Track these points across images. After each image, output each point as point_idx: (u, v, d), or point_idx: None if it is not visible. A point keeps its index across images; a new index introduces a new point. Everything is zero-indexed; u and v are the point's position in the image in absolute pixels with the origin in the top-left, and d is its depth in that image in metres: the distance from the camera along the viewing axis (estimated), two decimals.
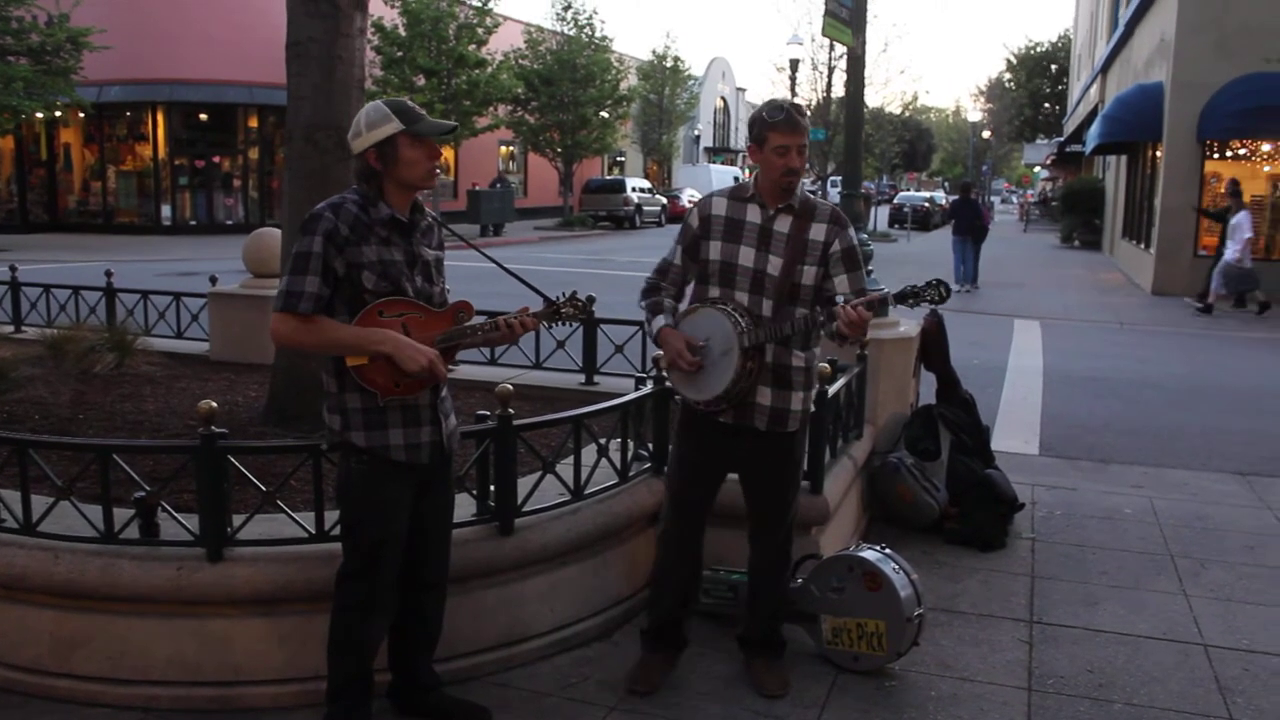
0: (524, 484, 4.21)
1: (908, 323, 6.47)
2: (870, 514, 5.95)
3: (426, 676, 3.73)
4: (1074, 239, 33.59)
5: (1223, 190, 18.12)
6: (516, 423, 4.04)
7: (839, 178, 31.27)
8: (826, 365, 4.72)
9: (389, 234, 3.32)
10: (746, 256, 3.82)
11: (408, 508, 3.43)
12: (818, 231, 3.83)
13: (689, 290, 4.00)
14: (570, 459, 4.42)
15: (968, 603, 5.02)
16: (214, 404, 3.74)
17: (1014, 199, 53.14)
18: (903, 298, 3.61)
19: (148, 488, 3.85)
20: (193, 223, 31.07)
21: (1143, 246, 22.04)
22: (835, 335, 3.71)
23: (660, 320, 3.84)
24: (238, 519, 3.85)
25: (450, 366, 3.43)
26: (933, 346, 6.48)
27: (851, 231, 3.93)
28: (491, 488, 4.10)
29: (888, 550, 4.31)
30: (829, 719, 3.88)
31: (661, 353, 3.91)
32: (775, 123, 3.72)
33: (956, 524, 5.83)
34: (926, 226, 41.64)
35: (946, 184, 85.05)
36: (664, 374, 3.96)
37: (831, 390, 4.73)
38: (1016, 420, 8.93)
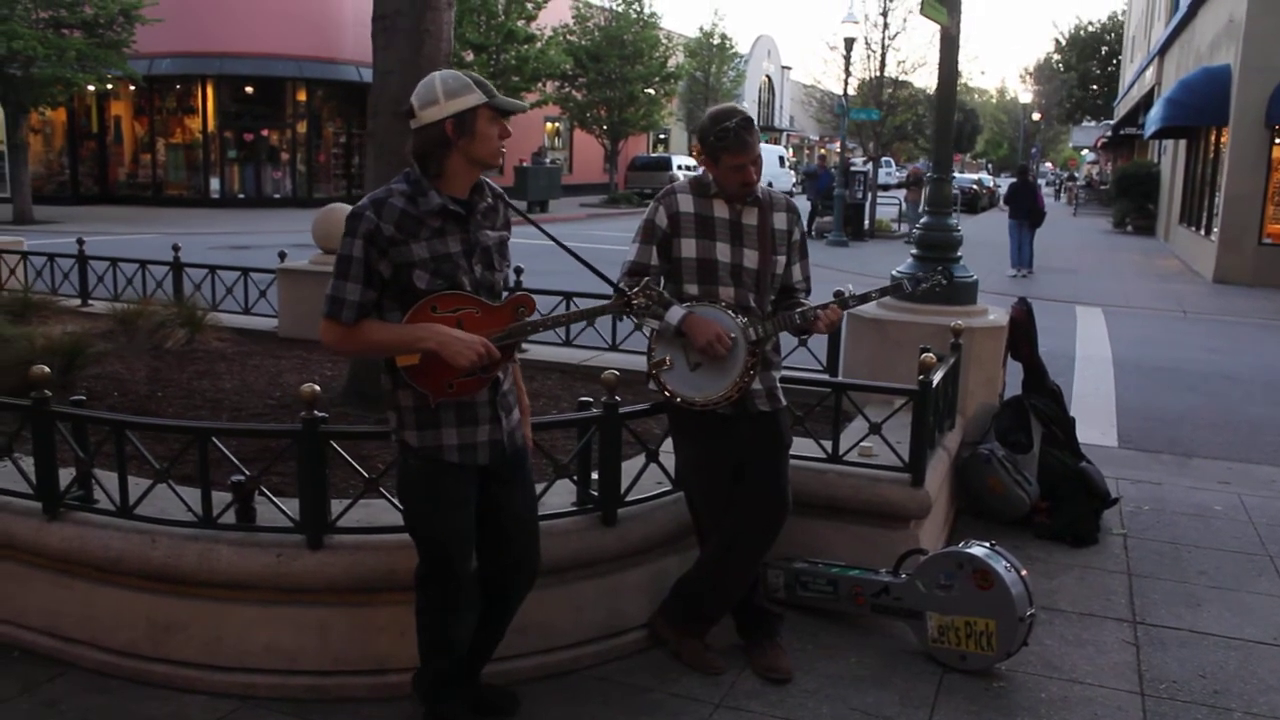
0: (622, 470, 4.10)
1: (997, 310, 6.30)
2: (957, 506, 5.81)
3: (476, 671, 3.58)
4: (1127, 224, 33.04)
5: None
6: (622, 410, 3.92)
7: (889, 159, 31.10)
8: (931, 355, 4.58)
9: (443, 223, 3.09)
10: (724, 252, 3.79)
11: (469, 505, 3.23)
12: (780, 220, 3.91)
13: None
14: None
15: (1066, 600, 4.87)
16: (316, 387, 3.64)
17: (1044, 181, 49.79)
18: (864, 298, 3.98)
19: (246, 471, 3.77)
20: (241, 196, 31.23)
21: (1203, 233, 21.59)
22: (802, 331, 3.93)
23: (680, 310, 3.67)
24: (336, 505, 3.76)
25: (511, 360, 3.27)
26: (1021, 335, 6.29)
27: (803, 221, 3.99)
28: (594, 476, 3.98)
29: (998, 547, 4.16)
30: (940, 719, 3.76)
31: (657, 356, 3.76)
32: (726, 145, 3.69)
33: (1047, 518, 5.68)
34: (974, 209, 41.09)
35: (990, 165, 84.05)
36: (657, 378, 3.75)
37: (936, 380, 4.58)
38: (1092, 411, 8.72)
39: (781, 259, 3.90)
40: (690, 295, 3.79)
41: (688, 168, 39.61)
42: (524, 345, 4.65)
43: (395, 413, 3.19)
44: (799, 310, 3.82)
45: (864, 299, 3.96)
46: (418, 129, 3.08)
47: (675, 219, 3.81)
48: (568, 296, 6.91)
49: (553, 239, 3.54)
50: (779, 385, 3.96)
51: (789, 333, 3.95)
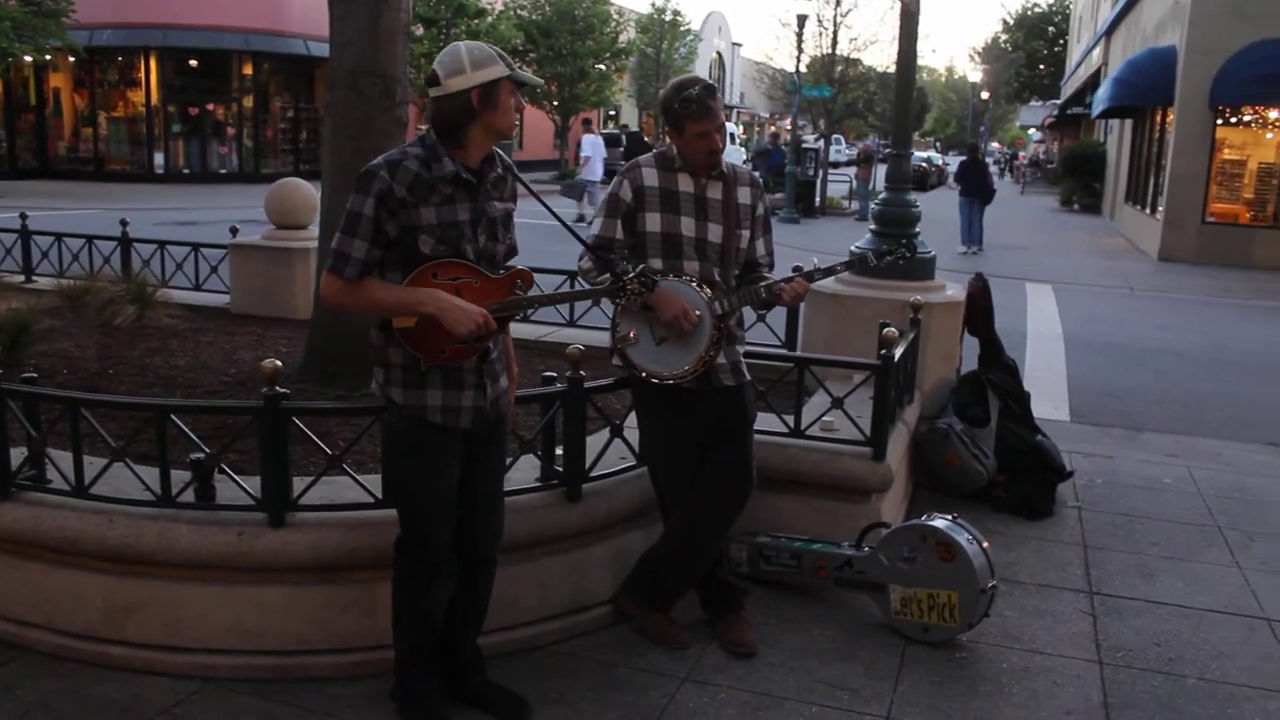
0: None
1: (954, 286, 6.34)
2: (915, 480, 5.86)
3: (470, 655, 3.57)
4: (1073, 202, 33.44)
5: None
6: (587, 385, 3.90)
7: (840, 136, 31.24)
8: (893, 330, 4.60)
9: (453, 190, 3.12)
10: (688, 226, 3.79)
11: (453, 469, 3.26)
12: (744, 195, 3.90)
13: None
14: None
15: (1025, 572, 4.94)
16: (278, 363, 3.59)
17: (990, 160, 46.55)
18: (829, 271, 4.05)
19: (206, 449, 3.71)
20: (186, 171, 30.60)
21: (1148, 212, 21.92)
22: (766, 305, 4.03)
23: None
24: (298, 483, 3.71)
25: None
26: (978, 311, 6.34)
27: (765, 196, 4.05)
28: (559, 451, 3.96)
29: (960, 520, 4.21)
30: (905, 690, 3.79)
31: (622, 330, 3.74)
32: (689, 112, 3.68)
33: (1004, 492, 5.74)
34: (924, 187, 41.35)
35: (938, 143, 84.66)
36: (622, 352, 3.75)
37: (898, 354, 4.61)
38: (1044, 386, 8.82)
39: (745, 234, 3.90)
40: (658, 269, 3.76)
41: None
42: None
43: (383, 369, 3.22)
44: (764, 284, 3.82)
45: (829, 272, 3.98)
46: (441, 97, 3.10)
47: (640, 193, 3.79)
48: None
49: (557, 217, 3.55)
50: (743, 360, 3.96)
51: (753, 307, 3.95)
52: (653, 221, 3.78)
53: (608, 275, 3.57)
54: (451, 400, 3.20)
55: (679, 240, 3.78)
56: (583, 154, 22.77)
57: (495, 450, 3.42)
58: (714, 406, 3.85)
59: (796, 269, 3.97)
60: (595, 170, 22.55)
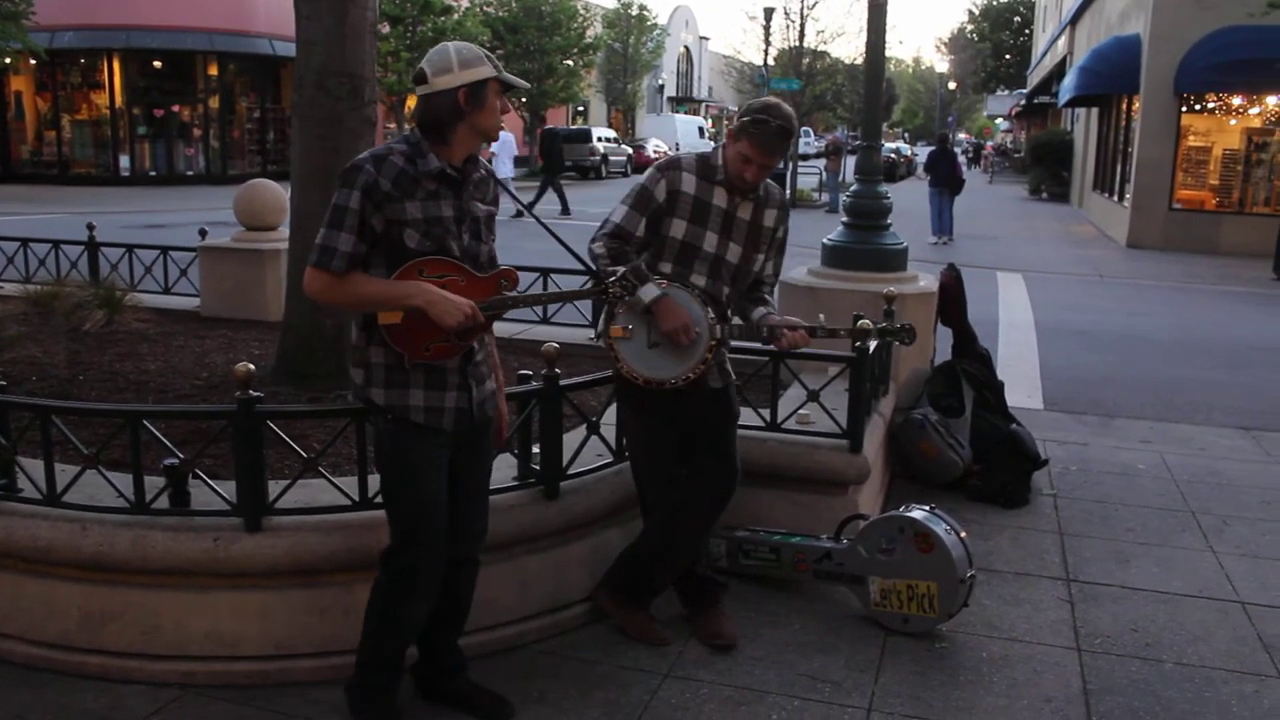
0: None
1: (927, 277, 6.37)
2: (892, 471, 5.88)
3: (451, 656, 3.54)
4: (1041, 191, 33.69)
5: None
6: (563, 383, 3.89)
7: (808, 129, 31.42)
8: (868, 321, 4.60)
9: (438, 187, 3.12)
10: (710, 241, 3.77)
11: (439, 469, 3.22)
12: (769, 218, 3.89)
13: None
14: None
15: (1002, 561, 4.97)
16: (250, 366, 3.55)
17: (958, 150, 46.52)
18: (831, 333, 3.86)
19: (179, 454, 3.67)
20: (152, 173, 30.27)
21: (1115, 199, 22.11)
22: (760, 341, 3.94)
23: (654, 290, 3.62)
24: (273, 486, 3.67)
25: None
26: (951, 301, 6.37)
27: (788, 219, 4.01)
28: (535, 450, 3.95)
29: (937, 511, 4.23)
30: (886, 681, 3.80)
31: (620, 323, 3.69)
32: (752, 133, 3.64)
33: (980, 481, 5.77)
34: (893, 178, 41.54)
35: (906, 134, 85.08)
36: (613, 344, 3.71)
37: (872, 347, 4.62)
38: (1017, 374, 8.90)
39: (761, 256, 3.90)
40: (662, 273, 3.73)
41: (608, 140, 39.37)
42: None
43: (363, 370, 3.18)
44: (768, 324, 3.78)
45: (832, 334, 3.88)
46: (428, 95, 3.11)
47: (675, 196, 3.74)
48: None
49: (541, 223, 3.56)
50: (728, 359, 3.96)
51: (750, 338, 3.94)
52: (678, 228, 3.74)
53: (619, 268, 3.54)
54: (434, 400, 3.17)
55: (697, 253, 3.75)
56: (490, 149, 22.88)
57: (481, 453, 3.40)
58: (700, 406, 3.84)
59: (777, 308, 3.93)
60: (504, 167, 22.28)
